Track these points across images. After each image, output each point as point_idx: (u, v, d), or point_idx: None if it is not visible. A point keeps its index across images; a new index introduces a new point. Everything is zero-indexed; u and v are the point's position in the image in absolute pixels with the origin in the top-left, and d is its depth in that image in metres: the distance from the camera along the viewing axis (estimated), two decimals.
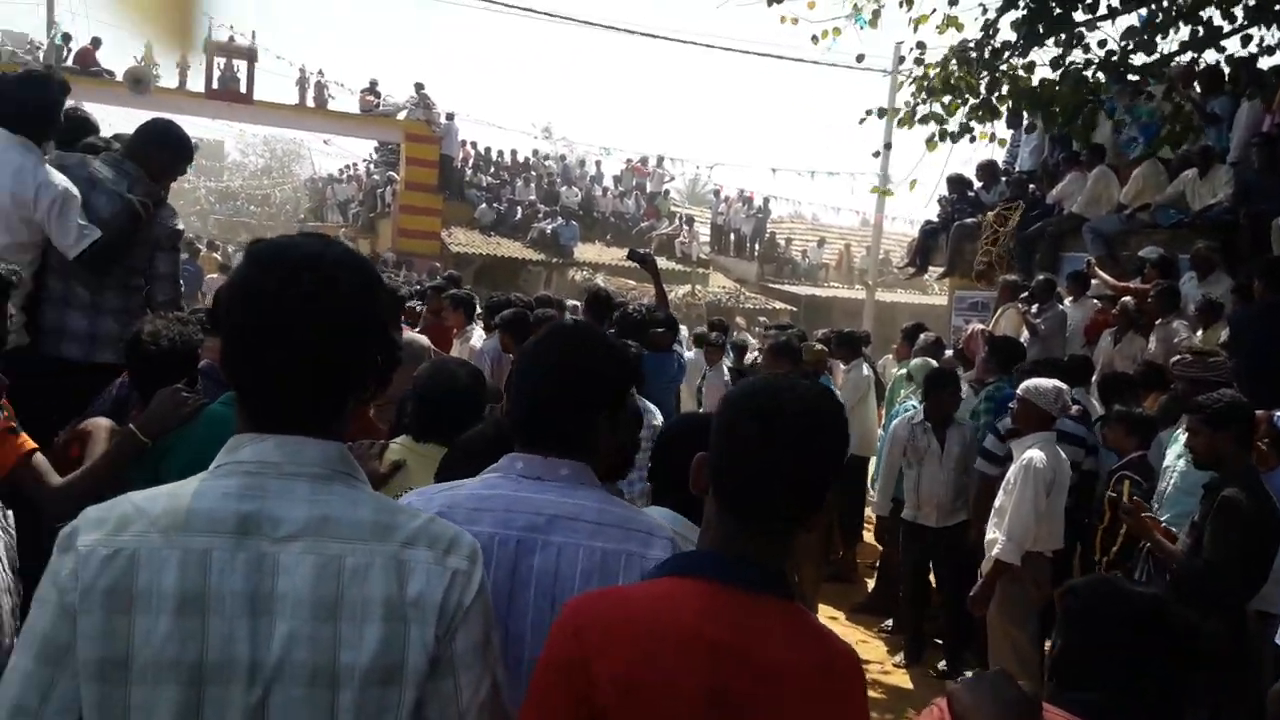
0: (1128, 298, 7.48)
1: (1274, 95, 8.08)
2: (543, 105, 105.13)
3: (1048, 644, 4.52)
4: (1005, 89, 7.30)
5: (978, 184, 11.77)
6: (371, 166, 28.28)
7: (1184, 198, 8.40)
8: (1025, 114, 9.18)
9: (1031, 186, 10.81)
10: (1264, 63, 7.69)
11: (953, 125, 7.47)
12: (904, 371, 7.40)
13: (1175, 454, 4.41)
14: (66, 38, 19.86)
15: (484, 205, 23.86)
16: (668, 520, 1.78)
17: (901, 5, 7.41)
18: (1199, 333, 6.68)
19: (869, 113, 8.19)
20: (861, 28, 8.00)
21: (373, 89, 23.23)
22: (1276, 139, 7.93)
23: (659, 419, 4.20)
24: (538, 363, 1.62)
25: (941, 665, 5.59)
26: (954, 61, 7.35)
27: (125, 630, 1.08)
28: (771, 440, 1.30)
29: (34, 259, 3.45)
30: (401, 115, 23.01)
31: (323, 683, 1.10)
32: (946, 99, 7.40)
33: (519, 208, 24.16)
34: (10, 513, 2.24)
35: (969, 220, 11.22)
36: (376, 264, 1.63)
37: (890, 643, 6.07)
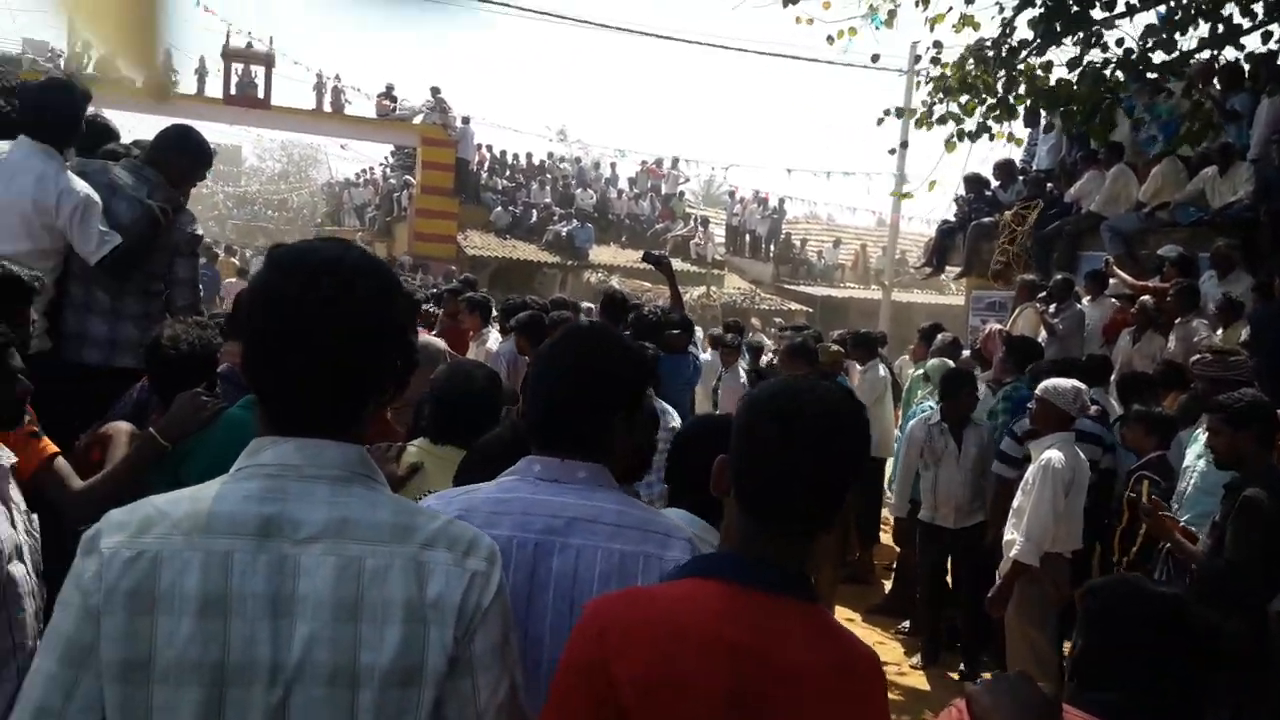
0: (1147, 297, 7.42)
1: None
2: (557, 108, 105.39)
3: (1066, 645, 4.51)
4: (1022, 88, 7.27)
5: (995, 183, 11.71)
6: (388, 170, 28.43)
7: (1204, 195, 8.33)
8: (1043, 113, 9.12)
9: (1049, 185, 10.75)
10: None
11: (970, 125, 7.44)
12: (921, 372, 7.37)
13: (1195, 454, 4.38)
14: (87, 45, 20.04)
15: (499, 208, 23.94)
16: (685, 522, 1.78)
17: (917, 4, 7.39)
18: (1219, 331, 6.63)
19: (886, 112, 8.18)
20: (877, 27, 7.99)
21: (389, 93, 23.36)
22: None
23: (676, 420, 4.20)
24: (554, 365, 1.62)
25: (961, 667, 5.57)
26: (971, 60, 7.32)
27: (148, 631, 1.09)
28: (791, 442, 1.29)
29: (56, 265, 3.48)
30: (417, 119, 23.12)
31: (343, 683, 1.11)
32: (964, 98, 7.37)
33: (534, 210, 24.22)
34: (35, 516, 2.27)
35: (986, 220, 11.17)
36: (393, 267, 1.63)
37: (907, 644, 6.04)
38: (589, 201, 25.70)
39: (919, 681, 5.53)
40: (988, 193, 11.72)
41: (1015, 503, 4.67)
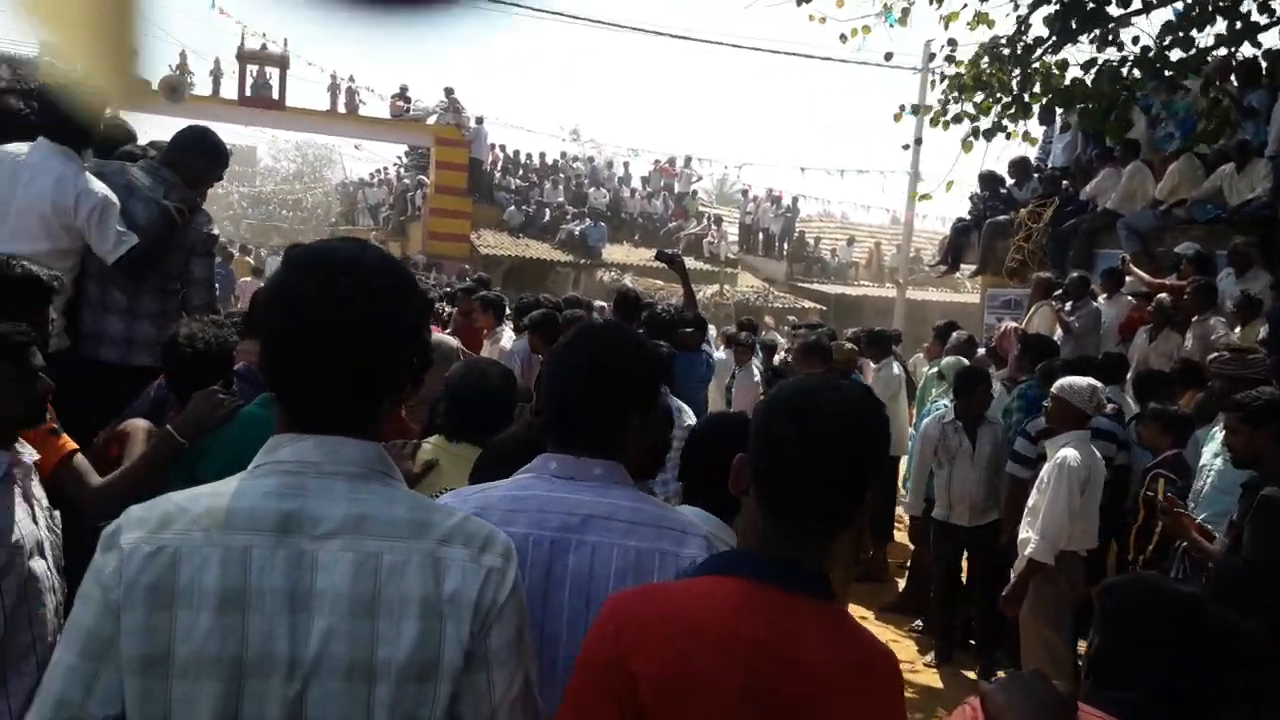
0: (1163, 294, 7.38)
1: None
2: (571, 108, 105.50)
3: (1081, 644, 4.49)
4: (1038, 86, 7.22)
5: (1010, 181, 11.66)
6: (402, 170, 28.52)
7: (1221, 192, 8.28)
8: (1059, 110, 9.08)
9: (1065, 183, 10.70)
10: None
11: (985, 124, 7.40)
12: (935, 370, 7.35)
13: (1212, 452, 4.35)
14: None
15: (513, 207, 23.99)
16: (699, 519, 1.78)
17: (931, 2, 7.36)
18: (1237, 329, 6.59)
19: (902, 108, 8.15)
20: (891, 25, 7.96)
21: (403, 94, 23.45)
22: None
23: (691, 419, 4.20)
24: (568, 363, 1.62)
25: (976, 667, 5.55)
26: (985, 58, 7.28)
27: (167, 626, 1.10)
28: (809, 441, 1.29)
29: (74, 265, 3.51)
30: (431, 120, 23.20)
31: (360, 677, 1.12)
32: (979, 97, 7.34)
33: (547, 210, 24.26)
34: (58, 513, 2.29)
35: (1001, 217, 11.13)
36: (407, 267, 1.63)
37: (921, 642, 6.03)
38: (602, 200, 25.72)
39: (932, 680, 5.51)
40: (1003, 190, 11.68)
41: (1030, 501, 4.65)
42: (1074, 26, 6.72)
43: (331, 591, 1.13)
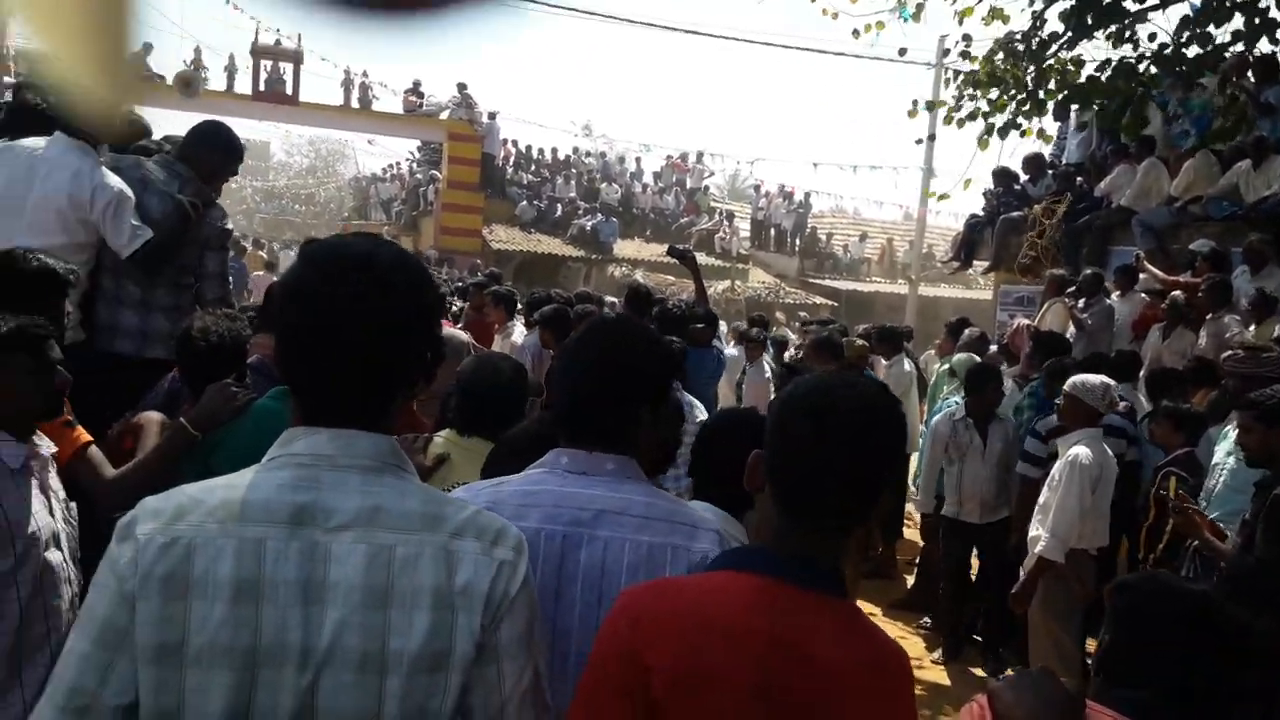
0: (1177, 292, 7.34)
1: None
2: (583, 103, 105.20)
3: (1090, 642, 4.48)
4: (1053, 83, 7.19)
5: (1024, 177, 11.61)
6: (414, 165, 28.58)
7: (1237, 190, 8.23)
8: (1074, 107, 9.03)
9: (1079, 179, 10.64)
10: None
11: (999, 120, 7.37)
12: (946, 367, 7.33)
13: (1225, 451, 4.33)
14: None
15: (525, 203, 24.00)
16: (711, 515, 1.78)
17: None
18: (1251, 327, 6.55)
19: (916, 104, 8.12)
20: (905, 21, 7.93)
21: (416, 89, 23.49)
22: None
23: (702, 414, 4.20)
24: (579, 358, 1.63)
25: (985, 666, 5.54)
26: (1000, 54, 7.25)
27: (181, 616, 1.11)
28: (825, 438, 1.29)
29: (89, 258, 3.54)
30: (444, 115, 23.23)
31: (372, 668, 1.13)
32: (993, 93, 7.30)
33: (559, 205, 24.27)
34: (74, 505, 2.31)
35: (1015, 214, 11.08)
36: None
37: (929, 639, 6.02)
38: (614, 196, 25.72)
39: (940, 677, 5.50)
40: (1016, 186, 11.63)
41: (1041, 498, 4.63)
42: (1090, 22, 6.68)
43: (345, 583, 1.14)
